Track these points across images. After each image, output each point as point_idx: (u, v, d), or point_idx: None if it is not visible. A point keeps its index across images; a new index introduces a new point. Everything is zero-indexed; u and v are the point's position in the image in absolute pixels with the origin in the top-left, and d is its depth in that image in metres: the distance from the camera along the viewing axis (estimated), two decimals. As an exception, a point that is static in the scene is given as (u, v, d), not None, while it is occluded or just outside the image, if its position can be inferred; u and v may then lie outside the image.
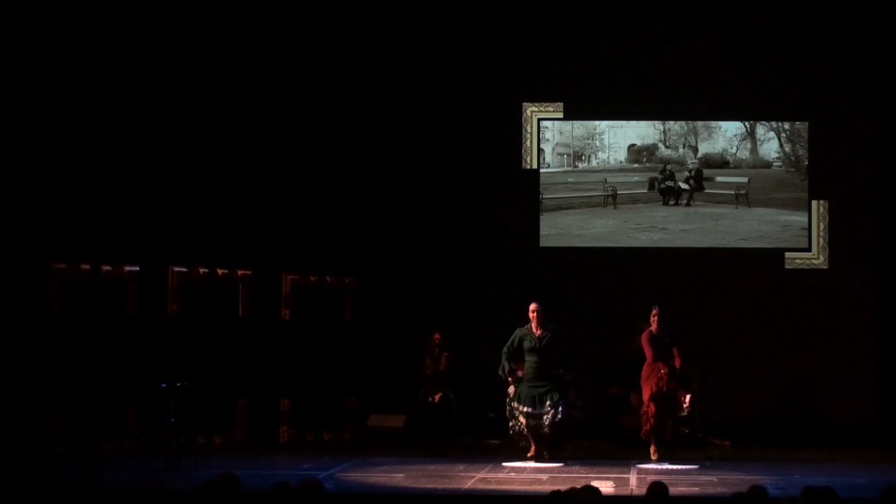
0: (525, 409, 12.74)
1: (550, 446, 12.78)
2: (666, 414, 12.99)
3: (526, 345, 12.87)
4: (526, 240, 15.87)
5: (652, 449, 12.91)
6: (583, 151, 16.04)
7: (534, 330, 12.88)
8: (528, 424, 12.74)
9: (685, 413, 13.26)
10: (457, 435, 14.69)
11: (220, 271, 14.28)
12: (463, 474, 11.75)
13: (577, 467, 12.44)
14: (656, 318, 13.05)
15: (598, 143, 16.02)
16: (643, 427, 13.00)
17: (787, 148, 15.87)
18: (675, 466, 12.45)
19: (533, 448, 12.80)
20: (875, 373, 15.41)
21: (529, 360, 12.85)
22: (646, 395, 13.03)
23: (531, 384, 12.80)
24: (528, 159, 16.01)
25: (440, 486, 11.02)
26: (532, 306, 12.94)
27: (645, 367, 13.11)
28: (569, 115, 15.95)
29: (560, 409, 12.65)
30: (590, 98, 15.93)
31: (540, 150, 16.01)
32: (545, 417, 12.69)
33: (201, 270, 14.13)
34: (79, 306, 13.50)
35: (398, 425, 14.80)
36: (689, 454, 13.26)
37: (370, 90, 15.91)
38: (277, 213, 15.61)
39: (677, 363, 13.00)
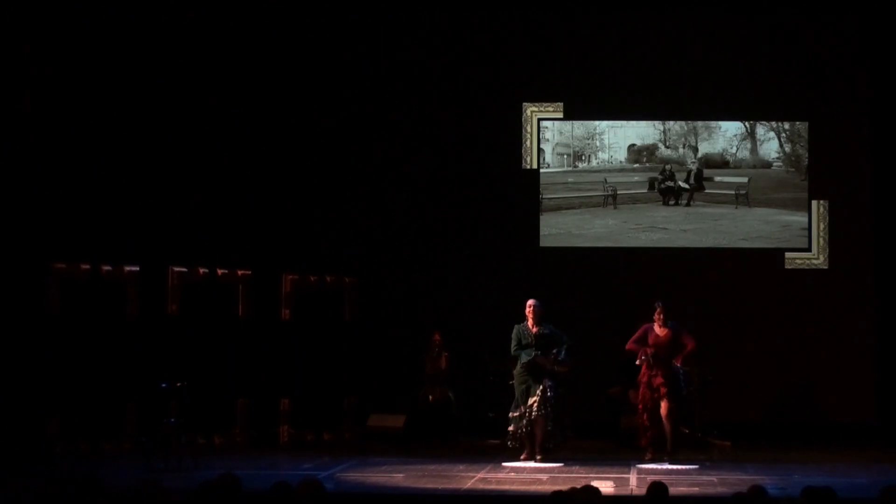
0: (520, 410, 12.71)
1: (541, 445, 12.67)
2: (659, 418, 12.85)
3: (522, 342, 12.83)
4: (526, 240, 15.87)
5: (650, 451, 12.85)
6: (583, 151, 16.04)
7: (530, 327, 12.87)
8: (524, 423, 12.69)
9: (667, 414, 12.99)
10: (457, 435, 14.69)
11: (220, 271, 14.28)
12: (463, 474, 11.74)
13: (577, 467, 12.43)
14: (661, 314, 12.96)
15: (598, 143, 16.03)
16: (641, 437, 12.94)
17: (787, 148, 15.88)
18: (675, 466, 12.44)
19: (526, 450, 12.77)
20: (875, 373, 15.42)
21: (524, 357, 12.80)
22: (637, 399, 13.05)
23: (523, 383, 12.77)
24: (528, 159, 16.01)
25: (440, 486, 11.02)
26: (529, 302, 12.87)
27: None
28: (569, 115, 15.96)
29: (550, 395, 12.59)
30: (590, 98, 15.93)
31: (540, 150, 16.01)
32: (533, 410, 12.61)
33: (201, 270, 14.13)
34: (79, 306, 13.51)
35: (398, 425, 14.80)
36: (688, 454, 13.25)
37: (370, 90, 15.91)
38: (277, 213, 15.61)
39: (690, 347, 12.86)
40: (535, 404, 12.59)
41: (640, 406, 12.93)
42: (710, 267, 15.66)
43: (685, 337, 12.87)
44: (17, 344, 13.24)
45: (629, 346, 12.99)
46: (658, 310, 12.94)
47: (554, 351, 12.73)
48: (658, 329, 12.95)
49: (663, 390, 12.75)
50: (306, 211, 15.72)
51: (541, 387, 12.62)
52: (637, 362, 12.95)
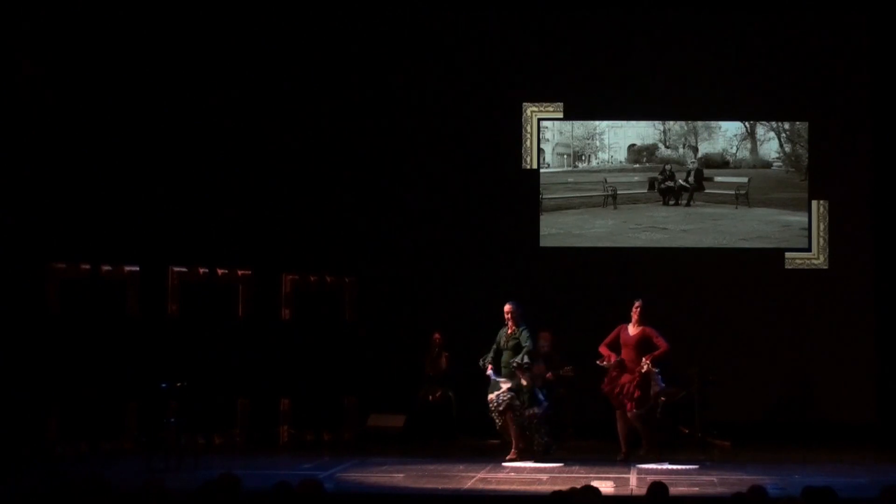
0: (489, 395, 12.94)
1: (528, 447, 12.81)
2: (621, 413, 12.96)
3: (501, 343, 13.08)
4: (526, 240, 15.87)
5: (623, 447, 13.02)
6: (583, 151, 16.04)
7: (508, 330, 13.04)
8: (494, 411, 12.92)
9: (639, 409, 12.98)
10: (457, 435, 14.70)
11: (220, 271, 14.28)
12: (463, 474, 11.75)
13: (577, 467, 12.44)
14: (638, 311, 12.97)
15: (598, 143, 16.03)
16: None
17: (787, 148, 15.88)
18: (675, 466, 12.45)
19: (513, 450, 12.85)
20: (875, 373, 15.42)
21: (503, 356, 13.06)
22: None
23: (497, 378, 12.99)
24: (528, 159, 16.01)
25: (440, 486, 11.02)
26: (505, 307, 13.05)
27: None
28: (569, 115, 15.95)
29: (518, 403, 12.76)
30: (590, 98, 15.93)
31: (540, 150, 16.01)
32: (500, 403, 12.83)
33: (201, 270, 14.13)
34: (79, 306, 13.51)
35: (398, 425, 14.80)
36: (688, 454, 13.25)
37: (371, 90, 15.90)
38: (277, 213, 15.60)
39: (663, 349, 12.85)
40: (504, 405, 12.85)
41: (606, 389, 12.95)
42: (710, 267, 15.65)
43: (658, 339, 12.86)
44: (17, 344, 13.24)
45: (601, 348, 13.04)
46: (636, 306, 12.94)
47: (516, 358, 12.87)
48: (631, 327, 12.97)
49: (634, 392, 12.76)
50: (306, 211, 15.70)
51: (501, 392, 12.86)
52: (598, 362, 12.99)
